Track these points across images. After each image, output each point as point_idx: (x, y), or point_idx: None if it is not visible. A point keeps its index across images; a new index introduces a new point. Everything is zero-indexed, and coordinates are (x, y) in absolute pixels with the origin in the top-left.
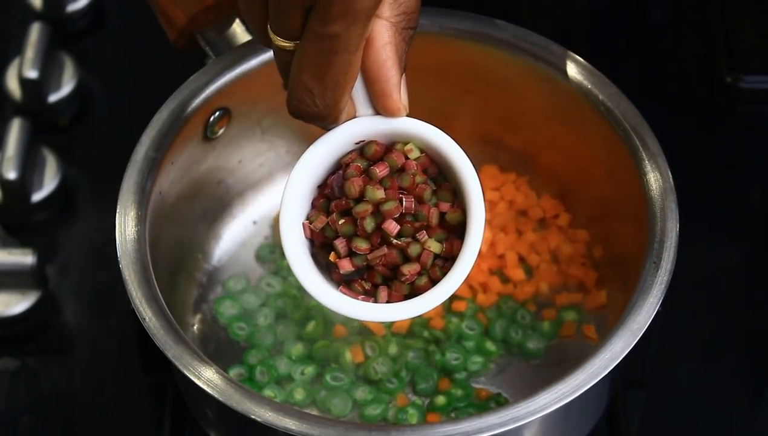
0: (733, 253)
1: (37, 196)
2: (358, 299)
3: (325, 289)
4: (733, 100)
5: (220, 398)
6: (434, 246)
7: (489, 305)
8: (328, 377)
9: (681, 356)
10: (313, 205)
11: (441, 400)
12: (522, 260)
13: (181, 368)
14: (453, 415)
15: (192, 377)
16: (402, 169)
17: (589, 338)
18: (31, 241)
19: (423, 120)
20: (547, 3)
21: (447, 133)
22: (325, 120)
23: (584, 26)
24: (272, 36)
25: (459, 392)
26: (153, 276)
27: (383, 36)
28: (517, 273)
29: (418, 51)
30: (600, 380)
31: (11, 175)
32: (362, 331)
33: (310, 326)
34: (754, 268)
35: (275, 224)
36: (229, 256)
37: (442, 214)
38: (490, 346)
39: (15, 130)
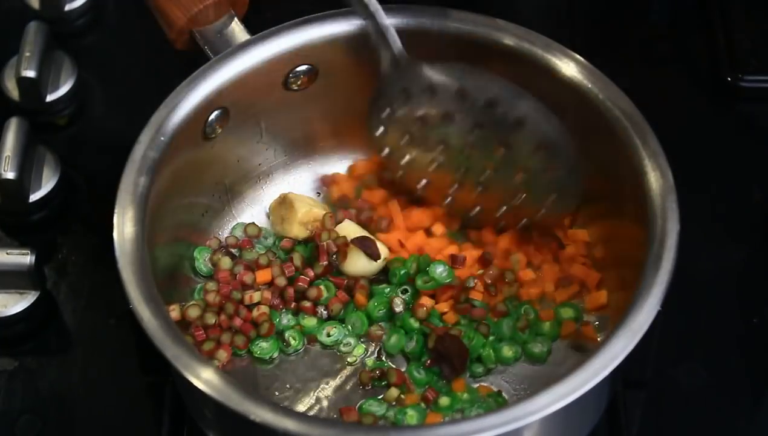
0: (733, 253)
1: (36, 196)
2: None
3: None
4: (733, 100)
5: (219, 399)
6: None
7: (496, 306)
8: None
9: (681, 356)
10: None
11: (445, 401)
12: (528, 262)
13: (179, 368)
14: (456, 415)
15: (190, 378)
16: None
17: (589, 338)
18: (29, 241)
19: None
20: (547, 3)
21: None
22: None
23: (584, 26)
24: None
25: (464, 395)
26: (151, 276)
27: None
28: (526, 274)
29: (419, 51)
30: (600, 380)
31: (9, 174)
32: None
33: None
34: (754, 268)
35: (272, 210)
36: None
37: None
38: (506, 351)
39: (13, 129)
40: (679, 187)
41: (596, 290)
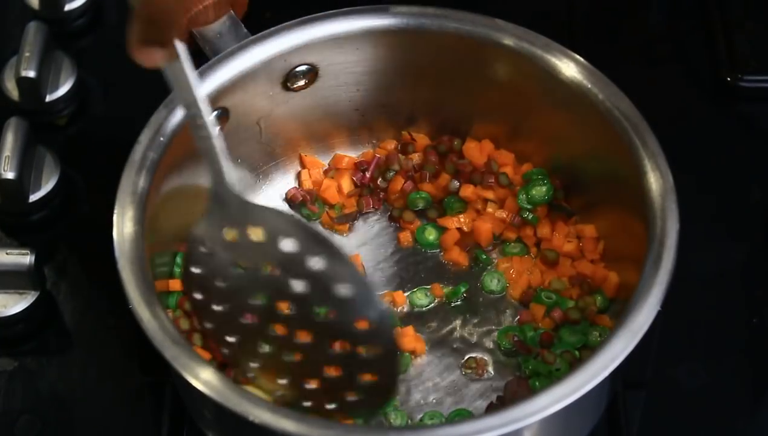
0: (733, 253)
1: (36, 196)
2: None
3: None
4: (732, 100)
5: (218, 399)
6: None
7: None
8: None
9: (681, 356)
10: None
11: None
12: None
13: (178, 369)
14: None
15: (190, 378)
16: None
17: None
18: (29, 241)
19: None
20: (547, 3)
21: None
22: None
23: (584, 26)
24: None
25: None
26: (151, 277)
27: None
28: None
29: (419, 50)
30: (600, 380)
31: (9, 175)
32: None
33: None
34: (754, 268)
35: None
36: None
37: None
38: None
39: (12, 129)
40: (678, 187)
41: (604, 282)
